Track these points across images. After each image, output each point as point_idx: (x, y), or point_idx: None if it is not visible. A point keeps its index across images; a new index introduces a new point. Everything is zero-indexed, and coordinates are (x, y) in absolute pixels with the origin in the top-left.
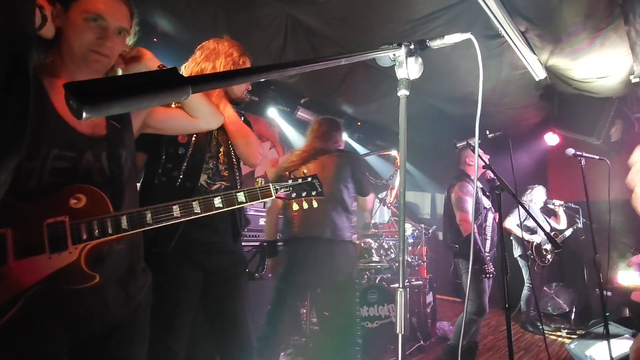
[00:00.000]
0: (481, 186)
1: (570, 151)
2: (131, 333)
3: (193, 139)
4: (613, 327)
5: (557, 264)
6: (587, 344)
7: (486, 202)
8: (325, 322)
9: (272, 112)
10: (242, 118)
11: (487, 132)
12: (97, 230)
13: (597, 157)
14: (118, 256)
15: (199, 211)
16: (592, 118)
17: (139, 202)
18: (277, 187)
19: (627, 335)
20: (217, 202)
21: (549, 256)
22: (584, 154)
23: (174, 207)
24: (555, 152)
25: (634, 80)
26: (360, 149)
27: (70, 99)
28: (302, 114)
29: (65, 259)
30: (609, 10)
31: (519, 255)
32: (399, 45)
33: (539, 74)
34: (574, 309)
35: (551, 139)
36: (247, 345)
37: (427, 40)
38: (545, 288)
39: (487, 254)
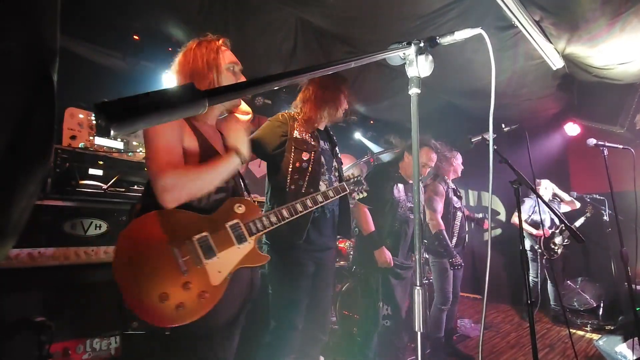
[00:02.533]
0: (453, 186)
1: (592, 141)
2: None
3: (312, 155)
4: None
5: (581, 258)
6: (616, 340)
7: (456, 202)
8: (346, 321)
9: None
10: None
11: (503, 126)
12: (263, 224)
13: (621, 147)
14: None
15: (320, 201)
16: (614, 106)
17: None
18: (347, 184)
19: None
20: (320, 198)
21: (558, 250)
22: (607, 144)
23: (306, 200)
24: (576, 142)
25: None
26: (373, 147)
27: (99, 119)
28: None
29: (247, 247)
30: None
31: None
32: (409, 44)
33: (556, 63)
34: (601, 304)
35: (571, 129)
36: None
37: (437, 37)
38: (569, 282)
39: (454, 249)
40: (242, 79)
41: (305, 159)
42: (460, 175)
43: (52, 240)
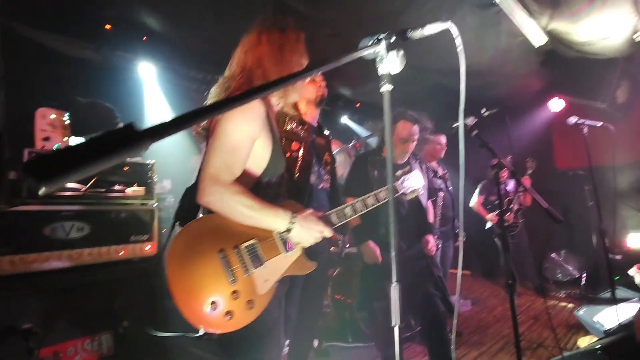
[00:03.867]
0: (436, 168)
1: (572, 119)
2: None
3: (303, 145)
4: (621, 292)
5: (565, 231)
6: (595, 309)
7: (439, 184)
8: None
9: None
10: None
11: (483, 110)
12: None
13: (600, 124)
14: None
15: (371, 203)
16: (596, 81)
17: None
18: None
19: (635, 299)
20: (370, 200)
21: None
22: (586, 122)
23: (356, 203)
24: (560, 118)
25: (638, 39)
26: (360, 131)
27: (27, 178)
28: None
29: (294, 255)
30: None
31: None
32: (378, 40)
33: (539, 40)
34: (583, 276)
35: (556, 104)
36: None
37: (408, 31)
38: (553, 255)
39: (437, 230)
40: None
41: (294, 149)
42: (442, 156)
43: (32, 245)
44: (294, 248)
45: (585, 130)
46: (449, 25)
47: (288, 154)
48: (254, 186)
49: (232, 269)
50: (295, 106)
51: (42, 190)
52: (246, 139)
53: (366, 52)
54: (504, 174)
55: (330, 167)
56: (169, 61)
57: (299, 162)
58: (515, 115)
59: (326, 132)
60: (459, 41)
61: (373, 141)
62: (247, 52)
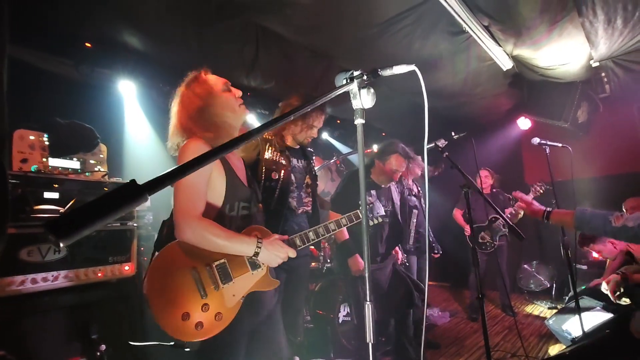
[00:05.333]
0: (411, 187)
1: (536, 140)
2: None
3: (282, 174)
4: (586, 301)
5: (536, 241)
6: (563, 318)
7: (413, 201)
8: (320, 320)
9: (251, 118)
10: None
11: (453, 134)
12: None
13: (560, 145)
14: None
15: (333, 228)
16: (559, 102)
17: None
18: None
19: (598, 308)
20: (332, 225)
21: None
22: (548, 143)
23: (319, 228)
24: (528, 136)
25: (594, 65)
26: (341, 148)
27: (49, 235)
28: None
29: (260, 273)
30: (563, 3)
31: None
32: (351, 79)
33: (506, 64)
34: (554, 285)
35: (523, 123)
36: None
37: (379, 70)
38: (525, 265)
39: (411, 246)
40: (239, 92)
41: (274, 178)
42: (419, 175)
43: (8, 269)
44: (261, 267)
45: (548, 150)
46: (413, 67)
47: (267, 183)
48: (219, 215)
49: (203, 284)
50: (280, 137)
51: (62, 245)
52: (197, 176)
53: (340, 92)
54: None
55: (312, 189)
56: (151, 78)
57: (276, 194)
58: (487, 132)
59: (309, 151)
60: (422, 82)
61: (353, 158)
62: (178, 114)
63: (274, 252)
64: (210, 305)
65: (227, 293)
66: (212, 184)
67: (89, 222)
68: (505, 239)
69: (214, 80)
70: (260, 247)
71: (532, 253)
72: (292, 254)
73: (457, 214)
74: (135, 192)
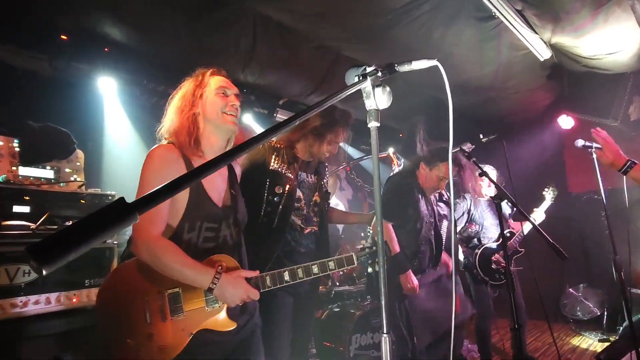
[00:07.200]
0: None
1: (579, 142)
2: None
3: (286, 189)
4: None
5: (582, 261)
6: (617, 353)
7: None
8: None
9: (247, 118)
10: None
11: (481, 136)
12: None
13: None
14: None
15: (315, 272)
16: (606, 97)
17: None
18: (359, 256)
19: None
20: (315, 269)
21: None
22: (594, 145)
23: (297, 269)
24: (571, 137)
25: None
26: (352, 152)
27: (30, 262)
28: (282, 116)
29: (215, 311)
30: None
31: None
32: (364, 77)
33: (543, 54)
34: (605, 312)
35: (565, 122)
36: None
37: (396, 65)
38: (570, 290)
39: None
40: (236, 102)
41: (277, 192)
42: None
43: None
44: (219, 303)
45: (594, 153)
46: (435, 62)
47: (271, 197)
48: (173, 235)
49: (150, 312)
50: (290, 148)
51: (44, 272)
52: (161, 180)
53: (351, 91)
54: None
55: (320, 207)
56: (134, 74)
57: (279, 210)
58: (522, 132)
59: (323, 165)
60: (446, 80)
61: (366, 163)
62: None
63: (232, 290)
64: (155, 336)
65: (175, 326)
66: (173, 197)
67: (74, 246)
68: (525, 261)
69: (215, 80)
70: (216, 282)
71: (578, 275)
72: (255, 296)
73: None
74: (125, 211)
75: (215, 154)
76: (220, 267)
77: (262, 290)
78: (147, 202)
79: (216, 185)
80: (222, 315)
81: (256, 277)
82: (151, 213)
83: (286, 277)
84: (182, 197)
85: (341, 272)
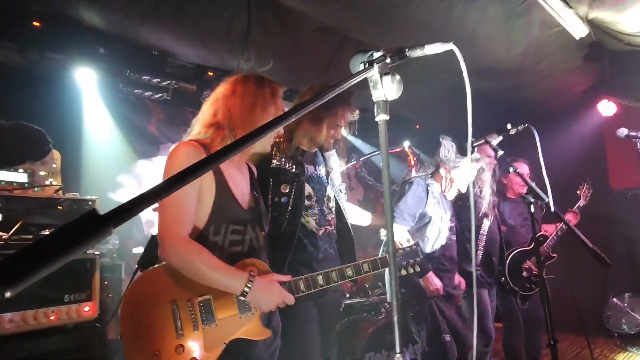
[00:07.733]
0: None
1: (623, 132)
2: None
3: (294, 186)
4: None
5: (627, 267)
6: None
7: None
8: None
9: None
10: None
11: (509, 126)
12: None
13: None
14: None
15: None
16: None
17: None
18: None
19: None
20: (349, 272)
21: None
22: (639, 135)
23: (331, 272)
24: (613, 125)
25: None
26: (362, 147)
27: None
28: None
29: (250, 319)
30: None
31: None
32: (370, 64)
33: (580, 31)
34: None
35: (606, 108)
36: None
37: (407, 50)
38: (615, 300)
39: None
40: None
41: (284, 192)
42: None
43: None
44: (252, 311)
45: (639, 144)
46: (451, 46)
47: (277, 199)
48: (198, 237)
49: (181, 322)
50: (289, 139)
51: (7, 295)
52: (185, 189)
53: (356, 81)
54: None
55: (335, 201)
56: (115, 64)
57: (288, 211)
58: (555, 122)
59: (329, 156)
60: (463, 65)
61: (378, 159)
62: (218, 104)
63: (266, 295)
64: (185, 347)
65: (207, 336)
66: (200, 197)
67: (41, 264)
68: (557, 268)
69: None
70: (250, 286)
71: (623, 283)
72: (290, 301)
73: None
74: (97, 224)
75: (240, 159)
76: (252, 271)
77: (296, 295)
78: (123, 212)
79: (240, 186)
80: (257, 323)
81: (290, 282)
82: (179, 214)
83: (320, 280)
84: (209, 195)
85: (351, 283)
